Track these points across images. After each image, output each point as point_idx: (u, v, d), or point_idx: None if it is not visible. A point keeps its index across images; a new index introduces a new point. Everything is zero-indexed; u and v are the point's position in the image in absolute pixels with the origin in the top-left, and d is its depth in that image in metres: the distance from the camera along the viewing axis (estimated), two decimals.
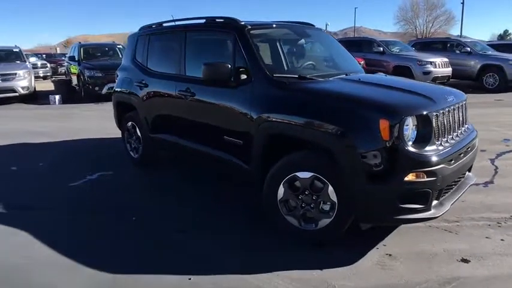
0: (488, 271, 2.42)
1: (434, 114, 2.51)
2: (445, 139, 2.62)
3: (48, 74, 20.81)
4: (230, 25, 3.29)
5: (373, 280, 2.35)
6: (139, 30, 4.63)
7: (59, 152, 5.42)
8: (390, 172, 2.36)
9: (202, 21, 3.63)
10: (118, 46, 12.30)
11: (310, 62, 3.51)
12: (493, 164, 4.48)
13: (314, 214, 2.69)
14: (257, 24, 3.33)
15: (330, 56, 3.73)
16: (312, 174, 2.62)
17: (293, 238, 2.79)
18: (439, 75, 10.94)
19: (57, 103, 10.55)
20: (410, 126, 2.40)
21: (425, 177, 2.39)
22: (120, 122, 4.88)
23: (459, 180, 2.90)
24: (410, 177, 2.36)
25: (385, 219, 2.51)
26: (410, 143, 2.40)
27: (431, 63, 11.16)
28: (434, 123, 2.49)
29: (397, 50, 12.42)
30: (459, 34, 41.31)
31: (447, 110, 2.65)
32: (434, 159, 2.41)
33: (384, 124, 2.33)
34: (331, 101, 2.61)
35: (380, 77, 3.51)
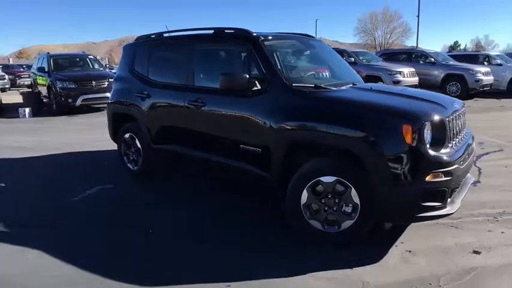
0: (499, 260, 2.66)
1: (447, 119, 2.75)
2: (454, 142, 2.86)
3: (7, 86, 19.74)
4: (244, 36, 3.40)
5: (402, 275, 2.50)
6: (137, 40, 4.62)
7: (48, 167, 5.22)
8: (413, 173, 2.55)
9: (211, 31, 3.70)
10: (89, 57, 11.98)
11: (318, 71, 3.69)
12: (475, 166, 4.85)
13: (337, 217, 2.82)
14: (268, 35, 3.46)
15: (333, 66, 3.92)
16: (336, 178, 2.76)
17: (316, 241, 2.90)
18: (408, 84, 11.60)
19: (27, 116, 10.08)
20: (428, 131, 2.61)
21: (442, 177, 2.60)
22: (116, 134, 4.79)
23: (463, 180, 3.15)
24: (430, 177, 2.57)
25: (408, 217, 2.69)
26: (428, 146, 2.61)
27: (400, 72, 11.82)
28: (447, 128, 2.72)
29: (367, 61, 13.04)
30: (415, 45, 43.86)
31: (455, 115, 2.90)
32: (449, 160, 2.63)
33: (407, 129, 2.52)
34: (355, 109, 2.78)
35: (387, 86, 3.75)
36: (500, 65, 13.39)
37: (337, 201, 2.81)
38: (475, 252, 2.78)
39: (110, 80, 10.52)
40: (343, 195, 2.77)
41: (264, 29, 4.10)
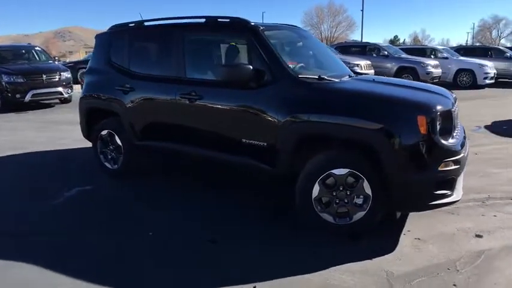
0: (501, 242, 2.81)
1: (452, 110, 2.83)
2: (456, 132, 2.96)
3: None
4: (242, 26, 3.24)
5: (419, 262, 2.55)
6: (112, 29, 4.26)
7: (14, 169, 4.72)
8: (428, 163, 2.60)
9: (202, 20, 3.49)
10: (36, 48, 10.96)
11: (314, 63, 3.64)
12: None
13: (348, 209, 2.81)
14: (266, 25, 3.33)
15: (326, 58, 3.90)
16: (348, 170, 2.74)
17: (329, 234, 2.87)
18: None
19: None
20: (439, 121, 2.67)
21: (452, 165, 2.68)
22: (90, 131, 4.41)
23: None
24: (442, 166, 2.63)
25: (421, 206, 2.74)
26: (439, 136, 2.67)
27: (357, 65, 12.19)
28: (453, 118, 2.81)
29: None
30: (359, 39, 45.79)
31: (456, 106, 3.00)
32: (458, 149, 2.72)
33: (421, 120, 2.56)
34: (369, 101, 2.76)
35: (385, 78, 3.79)
36: (447, 58, 14.35)
37: (348, 193, 2.80)
38: (478, 236, 2.91)
39: (62, 73, 9.76)
40: (355, 187, 2.77)
41: None
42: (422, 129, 2.56)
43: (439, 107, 2.69)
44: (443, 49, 15.61)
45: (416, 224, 3.09)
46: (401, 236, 2.91)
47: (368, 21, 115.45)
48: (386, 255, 2.63)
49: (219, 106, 3.26)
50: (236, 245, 2.81)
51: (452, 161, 2.67)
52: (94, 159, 4.44)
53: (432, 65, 13.07)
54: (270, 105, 2.97)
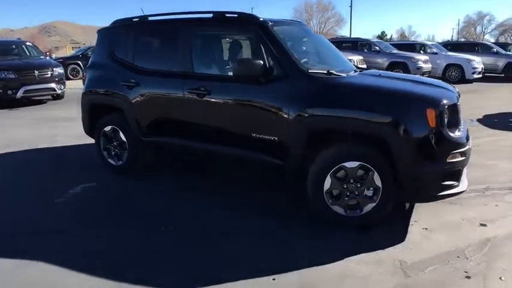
0: (504, 230, 2.92)
1: (458, 103, 2.92)
2: (461, 125, 3.05)
3: None
4: (251, 21, 3.26)
5: (430, 251, 2.64)
6: (114, 24, 4.22)
7: (13, 167, 4.64)
8: (437, 155, 2.68)
9: (209, 15, 3.50)
10: (27, 43, 10.73)
11: (320, 58, 3.69)
12: None
13: (359, 201, 2.88)
14: (274, 21, 3.35)
15: (331, 53, 3.94)
16: (359, 163, 2.80)
17: (340, 226, 2.94)
18: None
19: None
20: (446, 114, 2.74)
21: (459, 157, 2.77)
22: (93, 128, 4.38)
23: None
24: (450, 158, 2.72)
25: (430, 197, 2.82)
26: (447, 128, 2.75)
27: (350, 60, 12.26)
28: (459, 111, 2.89)
29: None
30: (347, 34, 46.10)
31: (460, 100, 3.09)
32: (463, 141, 2.81)
33: (430, 113, 2.63)
34: (380, 95, 2.82)
35: (392, 73, 3.85)
36: (436, 53, 14.58)
37: (359, 185, 2.86)
38: (482, 225, 3.01)
39: (54, 69, 9.60)
40: (366, 180, 2.83)
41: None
42: (431, 122, 2.63)
43: (446, 101, 2.76)
44: (432, 44, 15.84)
45: (422, 214, 3.18)
46: (410, 226, 3.00)
47: (356, 17, 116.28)
48: (397, 245, 2.71)
49: (228, 101, 3.28)
50: (250, 239, 2.84)
51: (459, 152, 2.76)
52: (93, 156, 4.42)
53: (422, 60, 13.27)
54: (281, 100, 3.01)
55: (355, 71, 3.57)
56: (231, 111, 3.30)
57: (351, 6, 46.60)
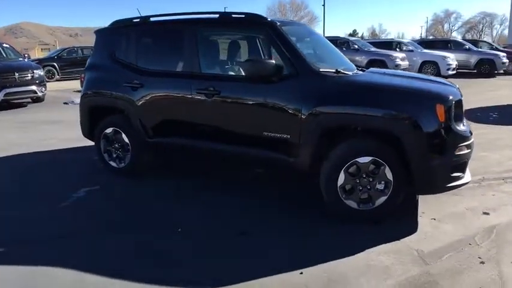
0: (506, 218, 3.10)
1: (462, 98, 3.07)
2: (464, 119, 3.21)
3: None
4: (259, 21, 3.31)
5: (442, 239, 2.77)
6: (114, 24, 4.16)
7: (10, 173, 4.50)
8: (447, 148, 2.82)
9: (216, 16, 3.51)
10: (4, 45, 10.29)
11: (323, 58, 3.77)
12: None
13: (371, 194, 2.98)
14: (280, 21, 3.41)
15: (333, 53, 4.03)
16: (372, 158, 2.91)
17: (353, 219, 3.03)
18: None
19: None
20: (453, 109, 2.89)
21: (465, 149, 2.92)
22: (92, 130, 4.30)
23: None
24: (457, 150, 2.86)
25: (439, 188, 2.95)
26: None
27: None
28: (463, 106, 3.05)
29: None
30: (322, 33, 46.79)
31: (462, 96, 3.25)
32: (469, 134, 2.96)
33: (440, 108, 2.76)
34: (392, 92, 2.94)
35: (395, 71, 3.98)
36: (412, 51, 15.07)
37: (371, 180, 2.96)
38: (485, 213, 3.19)
39: (34, 71, 9.29)
40: (377, 174, 2.94)
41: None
42: (441, 117, 2.77)
43: (452, 96, 2.91)
44: (408, 42, 16.35)
45: (428, 206, 3.32)
46: (419, 218, 3.13)
47: (329, 16, 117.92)
48: (411, 236, 2.83)
49: (239, 100, 3.31)
50: (267, 235, 2.89)
51: (465, 145, 2.91)
52: (92, 159, 4.35)
53: (400, 58, 13.68)
54: (293, 99, 3.07)
55: (358, 70, 3.68)
56: (241, 111, 3.33)
57: (323, 5, 47.31)
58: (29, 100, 9.62)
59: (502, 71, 15.23)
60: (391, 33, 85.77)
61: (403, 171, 2.90)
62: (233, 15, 3.46)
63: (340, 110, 2.94)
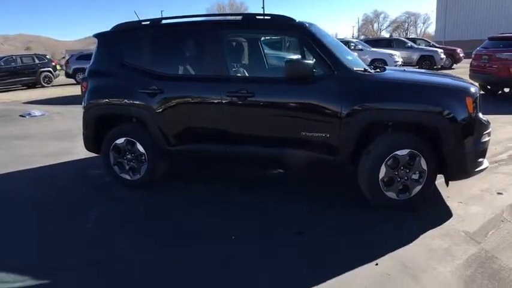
0: None
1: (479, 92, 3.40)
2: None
3: None
4: (290, 23, 3.36)
5: (479, 219, 3.06)
6: (119, 27, 3.93)
7: (12, 188, 4.09)
8: (476, 136, 3.10)
9: (239, 18, 3.50)
10: None
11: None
12: None
13: (408, 184, 3.19)
14: (307, 22, 3.48)
15: (345, 53, 4.18)
16: (409, 150, 3.11)
17: (394, 210, 3.21)
18: None
19: None
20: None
21: (487, 137, 3.24)
22: (99, 142, 4.02)
23: None
24: (483, 138, 3.17)
25: (469, 173, 3.22)
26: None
27: None
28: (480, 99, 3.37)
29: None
30: None
31: None
32: (488, 123, 3.28)
33: (469, 101, 3.04)
34: (425, 88, 3.16)
35: (412, 69, 4.20)
36: (361, 49, 15.97)
37: (407, 171, 3.17)
38: (499, 193, 3.57)
39: None
40: (413, 165, 3.15)
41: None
42: (470, 109, 3.05)
43: (475, 89, 3.21)
44: (357, 41, 17.30)
45: (447, 191, 3.59)
46: (448, 202, 3.40)
47: None
48: (450, 220, 3.08)
49: (275, 102, 3.34)
50: (322, 234, 2.95)
51: (487, 133, 3.23)
52: (89, 174, 4.12)
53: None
54: (331, 98, 3.17)
55: (377, 68, 3.85)
56: (278, 112, 3.35)
57: (263, 8, 48.17)
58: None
59: (439, 66, 16.72)
60: (338, 34, 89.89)
61: (435, 161, 3.14)
62: (257, 17, 3.47)
63: (380, 106, 3.10)
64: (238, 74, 3.45)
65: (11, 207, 3.70)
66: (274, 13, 3.45)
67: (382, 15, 78.48)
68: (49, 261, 2.70)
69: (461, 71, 12.31)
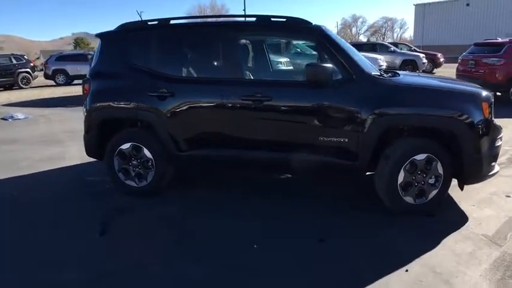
0: None
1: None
2: None
3: None
4: (307, 27, 3.32)
5: (495, 222, 3.12)
6: (124, 27, 3.79)
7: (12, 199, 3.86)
8: (491, 140, 3.15)
9: (252, 19, 3.43)
10: None
11: None
12: None
13: (425, 189, 3.20)
14: (323, 26, 3.45)
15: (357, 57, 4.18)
16: (427, 155, 3.13)
17: (411, 214, 3.22)
18: None
19: None
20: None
21: (500, 141, 3.30)
22: (102, 147, 3.85)
23: None
24: (497, 142, 3.22)
25: (484, 177, 3.26)
26: None
27: None
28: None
29: None
30: None
31: None
32: (501, 128, 3.34)
33: (485, 106, 3.09)
34: (445, 93, 3.19)
35: (425, 74, 4.22)
36: None
37: (424, 175, 3.18)
38: (507, 196, 3.64)
39: None
40: (430, 169, 3.16)
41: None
42: (486, 113, 3.09)
43: (490, 94, 3.26)
44: None
45: (458, 195, 3.63)
46: (461, 206, 3.44)
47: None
48: (468, 223, 3.11)
49: (293, 106, 3.28)
50: (344, 240, 2.93)
51: (500, 137, 3.29)
52: (88, 181, 3.98)
53: None
54: (350, 102, 3.15)
55: (397, 72, 3.83)
56: (295, 116, 3.30)
57: (244, 10, 48.18)
58: None
59: (421, 70, 17.14)
60: None
61: (451, 165, 3.17)
62: (272, 19, 3.42)
63: (400, 111, 3.10)
64: (255, 78, 3.38)
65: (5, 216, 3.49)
66: (289, 15, 3.40)
67: (361, 19, 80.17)
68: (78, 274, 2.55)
69: (443, 75, 12.65)
